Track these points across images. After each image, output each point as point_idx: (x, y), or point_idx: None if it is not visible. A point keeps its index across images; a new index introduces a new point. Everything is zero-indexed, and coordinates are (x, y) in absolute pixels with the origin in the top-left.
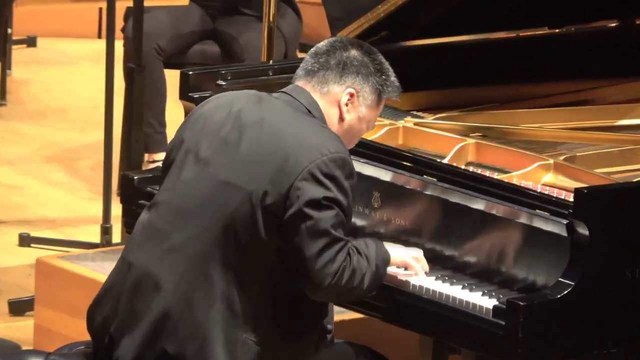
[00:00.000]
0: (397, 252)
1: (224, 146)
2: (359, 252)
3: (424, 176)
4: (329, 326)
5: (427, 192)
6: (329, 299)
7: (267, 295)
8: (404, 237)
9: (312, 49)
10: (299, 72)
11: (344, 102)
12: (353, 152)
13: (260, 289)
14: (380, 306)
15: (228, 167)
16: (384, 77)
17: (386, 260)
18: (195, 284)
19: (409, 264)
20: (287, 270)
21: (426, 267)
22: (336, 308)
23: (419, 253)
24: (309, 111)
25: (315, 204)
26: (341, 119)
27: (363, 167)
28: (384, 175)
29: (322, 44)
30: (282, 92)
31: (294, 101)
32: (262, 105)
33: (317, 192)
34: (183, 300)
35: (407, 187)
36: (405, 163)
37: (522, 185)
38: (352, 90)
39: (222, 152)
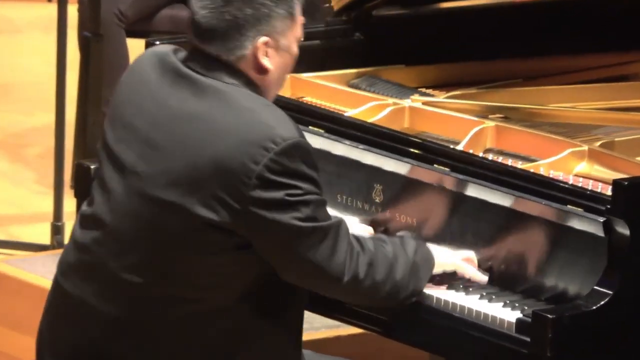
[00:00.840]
0: (444, 254)
1: (148, 150)
2: (381, 240)
3: (435, 165)
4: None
5: (438, 185)
6: (353, 300)
7: (240, 307)
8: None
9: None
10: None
11: (262, 55)
12: (350, 137)
13: (216, 325)
14: (381, 319)
15: (157, 179)
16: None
17: (430, 260)
18: (139, 326)
19: (458, 268)
20: (253, 296)
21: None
22: (329, 322)
23: (470, 253)
24: (238, 83)
25: (282, 205)
26: (266, 70)
27: (362, 155)
28: (387, 164)
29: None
30: (195, 68)
31: (216, 74)
32: (182, 88)
33: (278, 194)
34: (131, 346)
35: (415, 178)
36: (412, 150)
37: (550, 176)
38: (263, 39)
39: (146, 158)
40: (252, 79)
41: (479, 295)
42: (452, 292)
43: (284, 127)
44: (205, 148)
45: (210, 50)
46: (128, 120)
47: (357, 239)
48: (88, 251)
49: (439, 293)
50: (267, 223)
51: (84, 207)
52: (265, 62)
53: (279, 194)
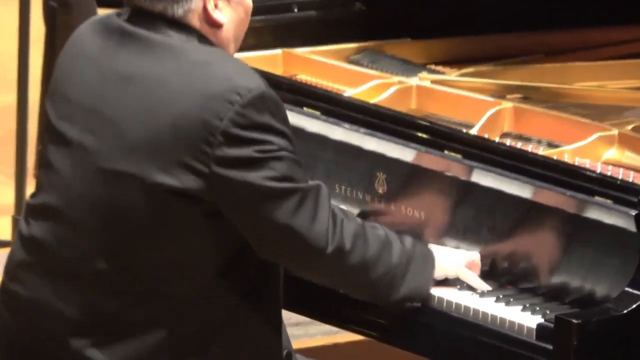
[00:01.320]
0: (447, 257)
1: (96, 121)
2: (372, 225)
3: (445, 152)
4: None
5: (450, 174)
6: (345, 282)
7: (198, 317)
8: (416, 232)
9: None
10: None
11: (212, 7)
12: (350, 119)
13: (189, 314)
14: (381, 324)
15: (109, 150)
16: None
17: (431, 257)
18: (100, 321)
19: (461, 275)
20: (227, 279)
21: (478, 272)
22: (326, 328)
23: (474, 256)
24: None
25: (252, 163)
26: (219, 24)
27: (364, 140)
28: (392, 150)
29: None
30: (141, 28)
31: (164, 32)
32: (129, 48)
33: (247, 151)
34: (91, 344)
35: (423, 166)
36: (419, 134)
37: (576, 163)
38: None
39: (95, 130)
40: (205, 35)
41: (494, 298)
42: (465, 293)
43: (247, 78)
44: (160, 109)
45: (154, 7)
46: (70, 93)
47: (342, 210)
48: (39, 246)
49: (449, 294)
50: (236, 185)
51: (29, 199)
52: (217, 15)
53: (248, 151)
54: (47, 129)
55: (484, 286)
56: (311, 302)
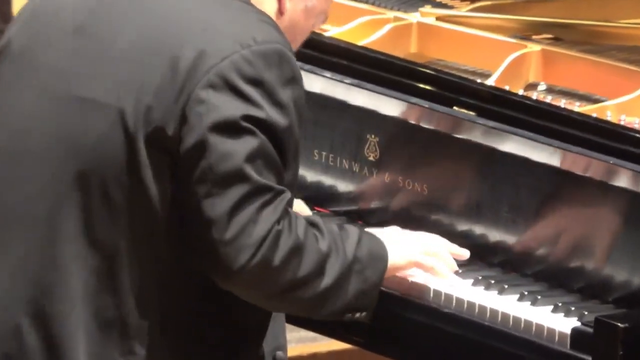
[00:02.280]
0: (402, 249)
1: (80, 41)
2: (317, 227)
3: (455, 108)
4: (279, 353)
5: (460, 136)
6: (258, 298)
7: (161, 295)
8: (418, 212)
9: None
10: None
11: None
12: (333, 67)
13: (150, 284)
14: (369, 327)
15: (87, 76)
16: None
17: (379, 256)
18: (42, 276)
19: (423, 265)
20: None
21: (453, 264)
22: (302, 334)
23: (438, 243)
24: None
25: (228, 127)
26: (280, 11)
27: (350, 94)
28: (386, 106)
29: None
30: None
31: None
32: None
33: (231, 107)
34: (28, 304)
35: (426, 127)
36: (421, 86)
37: (621, 123)
38: None
39: (75, 52)
40: (259, 10)
41: (518, 295)
42: (480, 289)
43: (272, 31)
44: (160, 32)
45: None
46: (53, 20)
47: (288, 216)
48: None
49: (460, 291)
50: (197, 138)
51: None
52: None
53: (232, 108)
54: (5, 51)
55: (452, 276)
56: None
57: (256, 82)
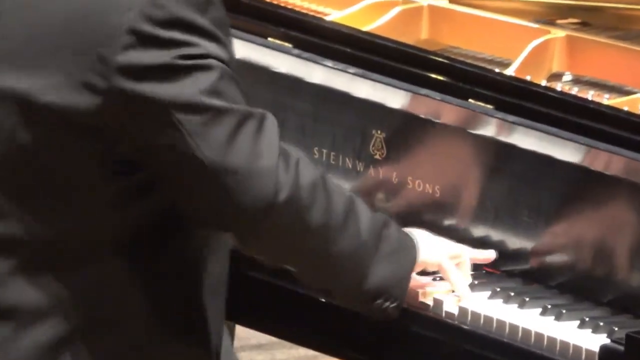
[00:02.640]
0: (431, 245)
1: None
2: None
3: (470, 101)
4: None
5: (476, 131)
6: (298, 248)
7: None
8: (429, 216)
9: None
10: None
11: None
12: (335, 55)
13: (84, 277)
14: (382, 345)
15: None
16: None
17: (410, 244)
18: None
19: (442, 268)
20: (136, 240)
21: (468, 275)
22: (301, 352)
23: (462, 249)
24: None
25: (170, 73)
26: None
27: (353, 84)
28: (394, 98)
29: None
30: None
31: None
32: None
33: (162, 56)
34: None
35: (438, 121)
36: (433, 76)
37: None
38: None
39: None
40: None
41: (540, 309)
42: (498, 302)
43: None
44: (49, 2)
45: None
46: None
47: (296, 150)
48: None
49: (476, 305)
50: (146, 104)
51: None
52: None
53: (164, 55)
54: None
55: (466, 290)
56: (278, 316)
57: (175, 23)
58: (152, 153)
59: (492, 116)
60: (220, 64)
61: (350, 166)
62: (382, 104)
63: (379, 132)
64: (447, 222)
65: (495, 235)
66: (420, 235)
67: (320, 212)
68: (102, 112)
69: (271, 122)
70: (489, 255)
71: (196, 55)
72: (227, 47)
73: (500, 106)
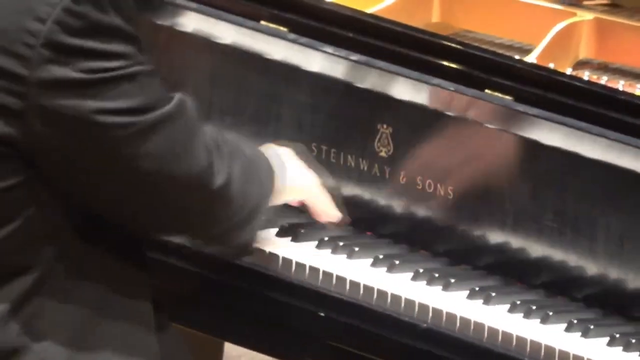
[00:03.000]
0: (296, 169)
1: None
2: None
3: (487, 92)
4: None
5: (494, 126)
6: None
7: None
8: (441, 221)
9: None
10: None
11: None
12: (335, 40)
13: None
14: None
15: None
16: None
17: (268, 170)
18: None
19: (315, 202)
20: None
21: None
22: None
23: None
24: None
25: (94, 89)
26: None
27: (357, 73)
28: (402, 89)
29: None
30: None
31: None
32: None
33: (84, 69)
34: None
35: (451, 114)
36: (446, 64)
37: None
38: None
39: None
40: None
41: (565, 324)
42: (519, 317)
43: None
44: None
45: None
46: None
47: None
48: None
49: (492, 319)
50: (70, 124)
51: None
52: None
53: (86, 69)
54: None
55: (335, 214)
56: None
57: (95, 30)
58: (76, 170)
59: (511, 109)
60: (141, 67)
61: (352, 165)
62: (388, 95)
63: (385, 126)
64: (461, 227)
65: (516, 242)
66: (276, 156)
67: (239, 187)
68: (15, 135)
69: (190, 106)
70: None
71: (120, 66)
72: (139, 40)
73: (521, 97)
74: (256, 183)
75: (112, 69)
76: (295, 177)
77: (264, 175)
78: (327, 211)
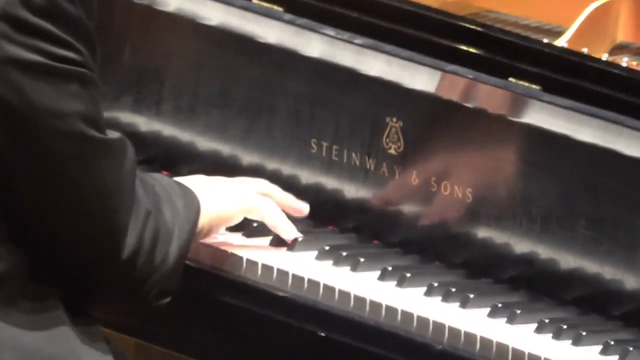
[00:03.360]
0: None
1: None
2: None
3: (511, 80)
4: None
5: (519, 119)
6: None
7: None
8: (459, 227)
9: None
10: None
11: None
12: (338, 21)
13: None
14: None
15: None
16: None
17: (189, 200)
18: None
19: (257, 209)
20: None
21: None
22: None
23: (266, 183)
24: None
25: (40, 73)
26: None
27: (362, 59)
28: (414, 77)
29: None
30: None
31: None
32: None
33: (33, 56)
34: None
35: (470, 106)
36: (465, 48)
37: None
38: None
39: None
40: None
41: (600, 346)
42: (547, 338)
43: None
44: None
45: None
46: None
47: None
48: None
49: (518, 341)
50: (10, 111)
51: None
52: None
53: (44, 49)
54: None
55: (294, 231)
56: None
57: (54, 15)
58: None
59: (539, 99)
60: (92, 74)
61: (357, 163)
62: (398, 83)
63: (394, 120)
64: (482, 235)
65: (544, 252)
66: (198, 183)
67: (149, 249)
68: None
69: (132, 157)
70: (301, 206)
71: (75, 61)
72: (95, 44)
73: (550, 87)
74: (171, 237)
75: (71, 61)
76: (222, 200)
77: (183, 220)
78: (284, 226)
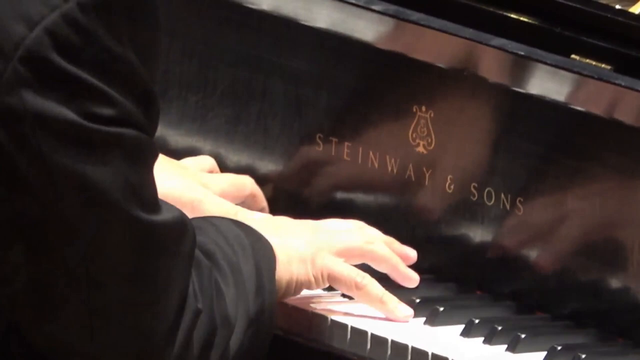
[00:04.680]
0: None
1: None
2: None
3: (574, 57)
4: None
5: (585, 108)
6: None
7: None
8: (509, 247)
9: None
10: None
11: None
12: None
13: None
14: None
15: None
16: None
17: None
18: None
19: (371, 254)
20: None
21: (407, 270)
22: None
23: (367, 227)
24: None
25: (73, 143)
26: None
27: (382, 31)
28: (448, 54)
29: None
30: None
31: None
32: None
33: (62, 112)
34: None
35: (522, 91)
36: (514, 17)
37: None
38: None
39: None
40: None
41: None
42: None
43: None
44: None
45: None
46: None
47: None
48: None
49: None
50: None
51: None
52: None
53: (77, 106)
54: None
55: (398, 307)
56: None
57: (93, 58)
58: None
59: (609, 82)
60: (144, 136)
61: (376, 165)
62: (428, 63)
63: (423, 109)
64: (536, 258)
65: (616, 281)
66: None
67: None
68: None
69: (189, 237)
70: (410, 252)
71: (120, 120)
72: (156, 100)
73: (623, 67)
74: (232, 329)
75: (112, 120)
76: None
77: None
78: (377, 299)
